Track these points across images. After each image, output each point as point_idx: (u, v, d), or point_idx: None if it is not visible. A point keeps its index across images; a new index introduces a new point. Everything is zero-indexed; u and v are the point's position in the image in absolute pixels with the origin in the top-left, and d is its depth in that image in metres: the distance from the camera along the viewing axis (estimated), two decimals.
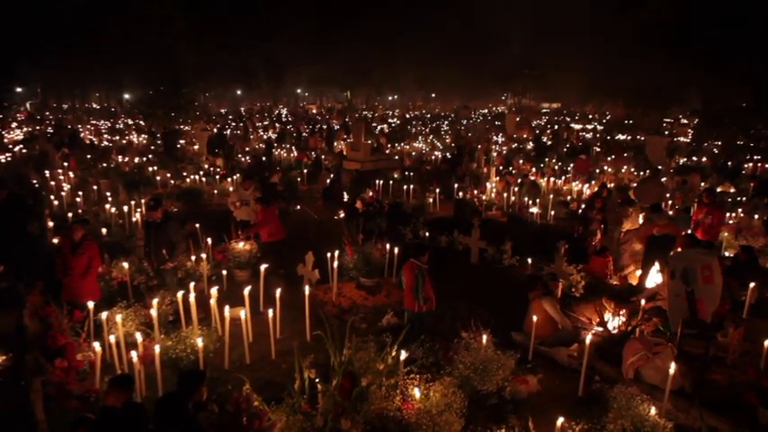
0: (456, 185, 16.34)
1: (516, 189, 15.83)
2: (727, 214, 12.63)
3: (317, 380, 5.58)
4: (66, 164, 18.42)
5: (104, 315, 6.64)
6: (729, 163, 20.44)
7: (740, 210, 14.01)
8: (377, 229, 11.12)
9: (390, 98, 70.60)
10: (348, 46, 48.12)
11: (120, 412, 4.34)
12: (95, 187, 15.46)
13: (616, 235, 10.93)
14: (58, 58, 36.92)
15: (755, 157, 23.72)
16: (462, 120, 46.30)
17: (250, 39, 39.76)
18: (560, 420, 4.94)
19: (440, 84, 60.82)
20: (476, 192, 16.29)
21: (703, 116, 28.61)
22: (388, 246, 9.73)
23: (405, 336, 6.28)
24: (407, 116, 50.59)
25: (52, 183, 16.15)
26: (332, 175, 17.93)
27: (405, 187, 16.25)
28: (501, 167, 20.03)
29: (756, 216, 13.01)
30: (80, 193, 14.66)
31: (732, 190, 17.04)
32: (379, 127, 35.90)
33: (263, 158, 21.61)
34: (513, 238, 11.18)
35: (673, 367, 5.71)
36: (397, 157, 21.88)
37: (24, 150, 23.05)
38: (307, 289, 7.59)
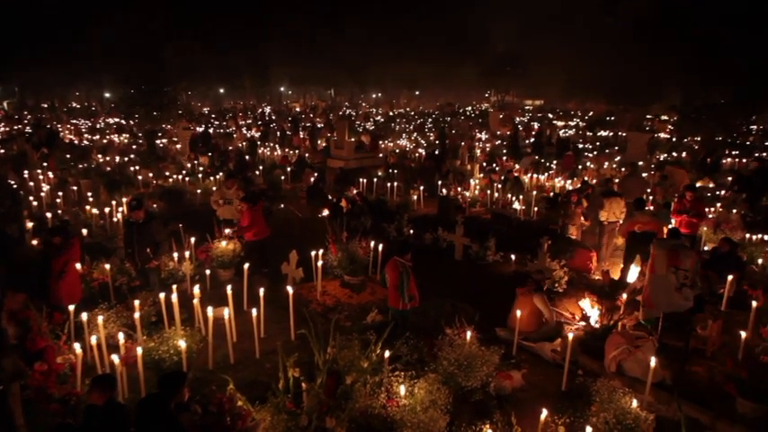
0: (440, 183, 16.39)
1: (500, 186, 15.92)
2: (707, 209, 12.84)
3: (302, 379, 5.56)
4: (45, 164, 18.15)
5: (85, 316, 6.56)
6: (709, 159, 20.73)
7: (719, 204, 14.25)
8: (361, 226, 11.11)
9: (374, 96, 70.52)
10: (332, 44, 48.00)
11: (102, 411, 4.30)
12: (75, 188, 15.25)
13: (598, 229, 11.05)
14: (37, 56, 36.26)
15: (734, 153, 24.12)
16: (447, 117, 46.43)
17: (233, 37, 39.45)
18: (544, 414, 4.99)
19: (424, 81, 60.84)
20: (459, 189, 16.34)
21: (683, 112, 29.01)
22: (372, 243, 9.73)
23: (389, 333, 6.29)
24: (391, 114, 50.59)
25: (31, 183, 15.92)
26: (316, 174, 17.89)
27: (389, 185, 16.25)
28: (485, 164, 20.11)
29: (734, 210, 13.26)
30: (60, 193, 14.45)
31: (711, 185, 17.31)
32: (362, 125, 35.92)
33: (247, 157, 21.48)
34: (496, 234, 11.24)
35: (653, 360, 5.79)
36: (381, 155, 21.87)
37: (2, 151, 22.65)
38: (290, 288, 7.57)
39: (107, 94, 56.25)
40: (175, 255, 9.07)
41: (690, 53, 24.96)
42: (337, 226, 10.30)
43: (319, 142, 26.70)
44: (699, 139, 27.86)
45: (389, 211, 13.64)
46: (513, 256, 10.41)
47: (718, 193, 16.25)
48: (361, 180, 16.48)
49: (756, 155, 22.95)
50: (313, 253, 9.01)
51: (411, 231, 12.04)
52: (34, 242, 10.22)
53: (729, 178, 17.86)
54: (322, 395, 5.39)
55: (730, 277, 8.20)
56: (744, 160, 22.37)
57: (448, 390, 5.68)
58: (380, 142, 27.60)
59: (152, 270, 8.37)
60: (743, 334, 6.68)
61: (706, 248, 11.05)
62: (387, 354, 5.95)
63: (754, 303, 7.43)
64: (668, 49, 25.95)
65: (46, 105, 53.83)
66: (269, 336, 7.44)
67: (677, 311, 6.90)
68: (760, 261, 10.27)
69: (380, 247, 9.61)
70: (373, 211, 12.96)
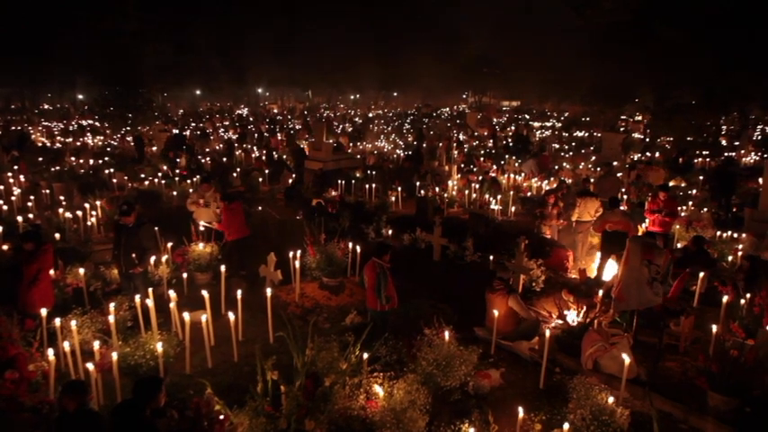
0: (418, 184, 16.42)
1: (477, 186, 16.03)
2: (679, 207, 13.12)
3: (281, 381, 5.52)
4: (15, 167, 17.73)
5: (58, 322, 6.43)
6: (681, 158, 21.17)
7: (690, 203, 14.57)
8: (339, 228, 11.09)
9: (352, 97, 70.46)
10: (309, 45, 47.87)
11: (73, 418, 4.23)
12: (47, 191, 14.93)
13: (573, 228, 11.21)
14: (5, 57, 35.37)
15: (704, 153, 24.67)
16: (424, 118, 46.60)
17: (209, 38, 39.04)
18: (521, 412, 5.04)
19: (401, 82, 60.99)
20: (437, 189, 16.41)
21: (655, 113, 29.57)
22: (350, 245, 9.72)
23: (368, 334, 6.28)
24: (369, 115, 50.61)
25: (1, 187, 15.53)
26: (293, 175, 17.84)
27: (367, 186, 16.24)
28: (462, 165, 20.23)
29: (705, 209, 13.57)
30: (31, 197, 14.14)
31: (683, 184, 17.68)
32: (341, 126, 35.83)
33: (225, 159, 21.30)
34: (474, 234, 11.30)
35: (628, 357, 5.90)
36: (359, 156, 21.86)
37: None
38: (269, 290, 7.53)
39: (80, 96, 55.16)
40: (152, 258, 8.94)
41: (659, 53, 25.39)
42: (315, 227, 10.27)
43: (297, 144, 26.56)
44: (671, 139, 28.42)
45: (368, 213, 13.63)
46: (491, 257, 10.48)
47: (690, 192, 16.59)
48: (339, 181, 16.45)
49: (726, 155, 23.52)
50: (291, 255, 8.96)
51: (389, 232, 12.05)
52: (5, 247, 9.98)
53: (701, 177, 18.28)
54: (301, 398, 5.36)
55: (702, 275, 8.39)
56: (714, 161, 22.88)
57: (427, 390, 5.70)
58: (358, 143, 27.64)
59: (137, 275, 8.21)
60: (714, 329, 6.84)
61: (679, 245, 11.28)
62: (366, 355, 5.95)
63: (724, 299, 7.62)
64: (640, 50, 26.39)
65: (15, 107, 52.60)
66: (247, 339, 7.39)
67: (650, 306, 7.04)
68: (730, 258, 10.51)
69: (359, 248, 9.61)
70: (352, 212, 12.93)
